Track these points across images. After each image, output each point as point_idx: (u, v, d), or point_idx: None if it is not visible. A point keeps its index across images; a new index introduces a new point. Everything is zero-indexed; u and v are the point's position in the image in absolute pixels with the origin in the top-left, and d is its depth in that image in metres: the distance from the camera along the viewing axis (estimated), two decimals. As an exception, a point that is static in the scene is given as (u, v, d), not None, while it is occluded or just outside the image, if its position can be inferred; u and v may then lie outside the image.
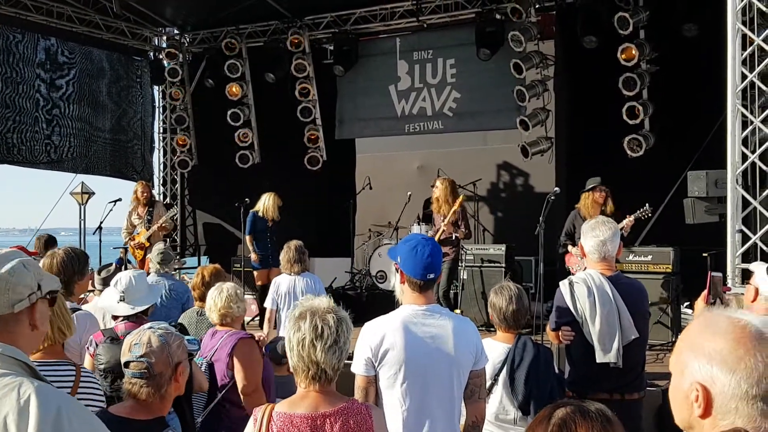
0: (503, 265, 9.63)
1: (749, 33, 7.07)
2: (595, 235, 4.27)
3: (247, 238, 9.75)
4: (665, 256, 8.40)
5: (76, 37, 13.07)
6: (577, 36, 10.51)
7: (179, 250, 14.49)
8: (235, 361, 4.25)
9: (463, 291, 9.64)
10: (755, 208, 7.06)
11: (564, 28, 11.22)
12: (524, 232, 9.26)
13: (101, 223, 11.16)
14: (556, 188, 8.25)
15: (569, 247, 8.03)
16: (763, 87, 7.13)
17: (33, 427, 1.74)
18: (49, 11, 12.43)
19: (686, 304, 8.75)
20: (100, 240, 11.07)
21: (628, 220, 7.80)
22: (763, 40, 7.03)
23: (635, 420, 4.21)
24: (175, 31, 14.68)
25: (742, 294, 4.22)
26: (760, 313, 3.24)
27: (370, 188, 12.33)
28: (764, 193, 7.03)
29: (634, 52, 10.02)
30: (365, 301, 10.69)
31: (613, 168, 9.55)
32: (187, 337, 2.97)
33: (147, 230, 10.20)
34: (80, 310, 4.32)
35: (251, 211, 9.76)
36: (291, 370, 2.69)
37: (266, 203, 9.60)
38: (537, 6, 11.05)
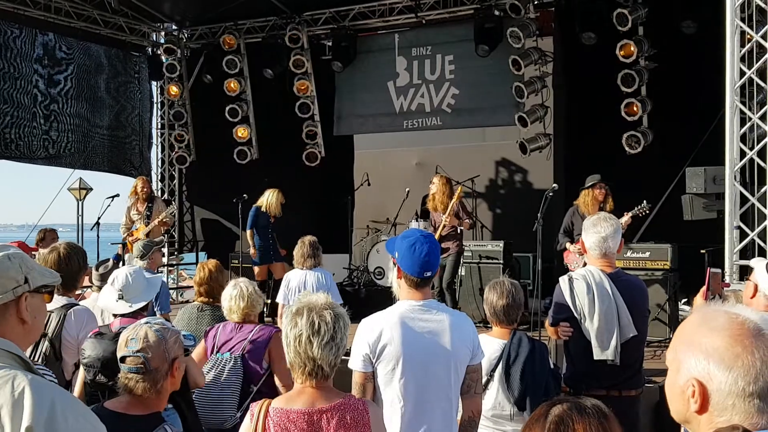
0: (501, 261, 9.65)
1: (748, 29, 7.07)
2: (596, 231, 4.26)
3: (248, 232, 9.76)
4: (663, 253, 8.41)
5: (74, 32, 13.03)
6: (575, 32, 10.50)
7: (177, 245, 14.49)
8: (273, 353, 4.24)
9: (461, 287, 9.64)
10: (753, 204, 7.07)
11: (563, 24, 11.21)
12: (522, 228, 9.28)
13: (99, 218, 11.16)
14: (555, 185, 8.25)
15: (567, 244, 8.02)
16: (762, 84, 7.14)
17: (27, 419, 1.74)
18: (47, 6, 12.40)
19: (684, 300, 8.77)
20: (98, 236, 11.07)
21: (627, 218, 7.79)
22: (762, 37, 7.03)
23: (632, 417, 4.21)
24: (174, 27, 14.65)
25: (741, 290, 4.21)
26: (759, 310, 3.24)
27: (369, 184, 12.33)
28: (762, 190, 7.04)
29: (632, 48, 10.02)
30: (363, 297, 10.69)
31: (611, 164, 9.54)
32: (183, 333, 2.96)
33: (146, 226, 10.18)
34: (78, 305, 4.31)
35: (254, 205, 9.78)
36: (288, 365, 2.70)
37: (269, 199, 9.64)
38: (536, 2, 11.04)
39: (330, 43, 13.15)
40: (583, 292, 4.16)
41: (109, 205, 11.18)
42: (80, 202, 14.28)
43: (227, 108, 13.28)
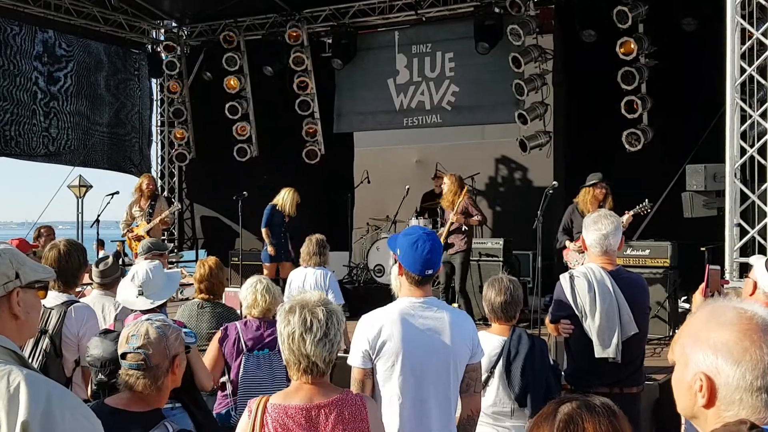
0: (501, 258, 9.63)
1: (748, 27, 7.06)
2: (597, 229, 4.24)
3: (264, 230, 9.71)
4: (663, 250, 8.40)
5: (74, 29, 13.03)
6: (575, 30, 10.50)
7: (177, 243, 14.48)
8: None
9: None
10: (753, 202, 7.07)
11: (563, 21, 11.21)
12: (522, 226, 9.27)
13: (99, 216, 11.16)
14: (555, 182, 8.25)
15: (566, 242, 8.01)
16: (762, 81, 7.13)
17: (23, 414, 1.74)
18: (47, 3, 12.39)
19: (684, 298, 8.77)
20: (97, 233, 11.09)
21: (628, 216, 7.77)
22: (762, 34, 7.02)
23: (633, 414, 4.20)
24: (173, 24, 14.64)
25: (741, 288, 4.21)
26: (759, 307, 3.23)
27: (368, 182, 12.32)
28: (762, 187, 7.04)
29: (632, 46, 10.02)
30: (363, 294, 10.68)
31: (611, 162, 9.54)
32: (184, 330, 2.96)
33: (147, 223, 10.17)
34: (78, 302, 4.31)
35: (270, 204, 9.73)
36: (285, 362, 2.71)
37: (285, 198, 9.61)
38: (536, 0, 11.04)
39: (330, 41, 13.16)
40: (584, 290, 4.15)
41: (108, 203, 11.18)
42: (80, 200, 14.30)
43: (227, 105, 13.27)
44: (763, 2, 7.06)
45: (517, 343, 4.01)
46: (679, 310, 8.52)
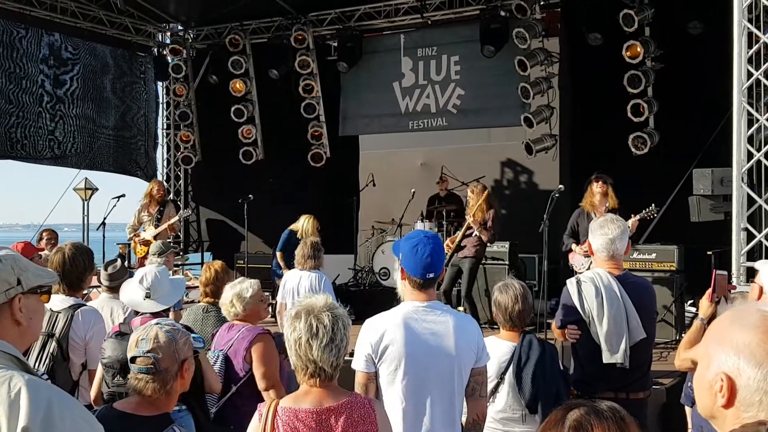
0: (507, 262, 9.64)
1: (755, 31, 7.04)
2: (603, 233, 4.22)
3: (278, 254, 9.70)
4: (669, 254, 8.39)
5: (80, 32, 13.08)
6: (581, 33, 10.50)
7: (182, 246, 14.50)
8: (254, 355, 4.25)
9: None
10: (760, 206, 7.04)
11: (569, 25, 11.19)
12: (528, 229, 9.24)
13: (105, 219, 11.18)
14: (560, 186, 8.22)
15: (572, 246, 8.00)
16: (769, 85, 7.11)
17: (23, 419, 1.75)
18: (53, 7, 12.43)
19: (690, 302, 8.75)
20: (103, 236, 11.09)
21: (634, 220, 7.74)
22: (769, 38, 7.00)
23: (640, 419, 4.17)
24: (179, 27, 14.69)
25: (747, 292, 4.19)
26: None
27: (374, 185, 12.32)
28: (769, 192, 7.01)
29: (639, 49, 10.00)
30: (368, 297, 10.69)
31: (617, 165, 9.51)
32: (192, 335, 2.97)
33: (155, 228, 10.18)
34: (85, 305, 4.31)
35: (288, 228, 9.66)
36: (293, 367, 2.73)
37: (305, 225, 9.46)
38: (542, 3, 11.04)
39: (335, 44, 13.17)
40: (591, 295, 4.13)
41: (114, 206, 11.20)
42: (86, 202, 14.33)
43: (233, 108, 13.31)
44: (770, 6, 7.05)
45: (528, 349, 3.98)
46: (686, 314, 8.50)
